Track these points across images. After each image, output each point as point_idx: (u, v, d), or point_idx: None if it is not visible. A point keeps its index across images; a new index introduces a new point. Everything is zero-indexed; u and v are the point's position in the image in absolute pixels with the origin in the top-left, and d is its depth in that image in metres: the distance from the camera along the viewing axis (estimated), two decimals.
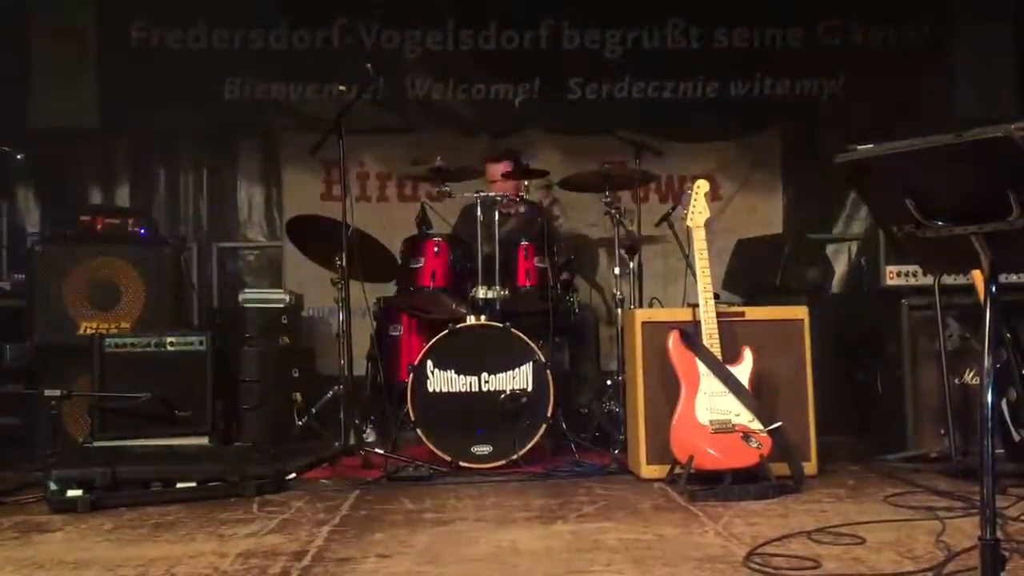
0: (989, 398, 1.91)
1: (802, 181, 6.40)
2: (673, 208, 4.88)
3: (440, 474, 3.85)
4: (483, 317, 4.19)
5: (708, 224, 3.77)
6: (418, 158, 5.70)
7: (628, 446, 4.01)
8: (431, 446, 3.99)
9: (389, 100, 6.09)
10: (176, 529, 3.00)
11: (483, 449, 3.98)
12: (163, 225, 5.90)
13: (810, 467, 3.68)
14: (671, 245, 5.00)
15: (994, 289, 1.92)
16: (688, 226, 3.78)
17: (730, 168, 6.39)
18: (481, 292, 4.31)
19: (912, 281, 4.09)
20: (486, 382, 4.05)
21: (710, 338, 3.59)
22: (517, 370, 4.06)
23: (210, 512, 3.24)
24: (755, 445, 3.46)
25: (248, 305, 5.09)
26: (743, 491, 3.32)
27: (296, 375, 5.07)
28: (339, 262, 4.19)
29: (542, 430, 4.03)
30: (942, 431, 3.86)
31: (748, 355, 3.62)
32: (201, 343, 4.32)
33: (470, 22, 6.22)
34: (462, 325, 4.14)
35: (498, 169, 5.09)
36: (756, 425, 3.50)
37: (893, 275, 4.13)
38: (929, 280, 3.94)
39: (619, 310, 4.58)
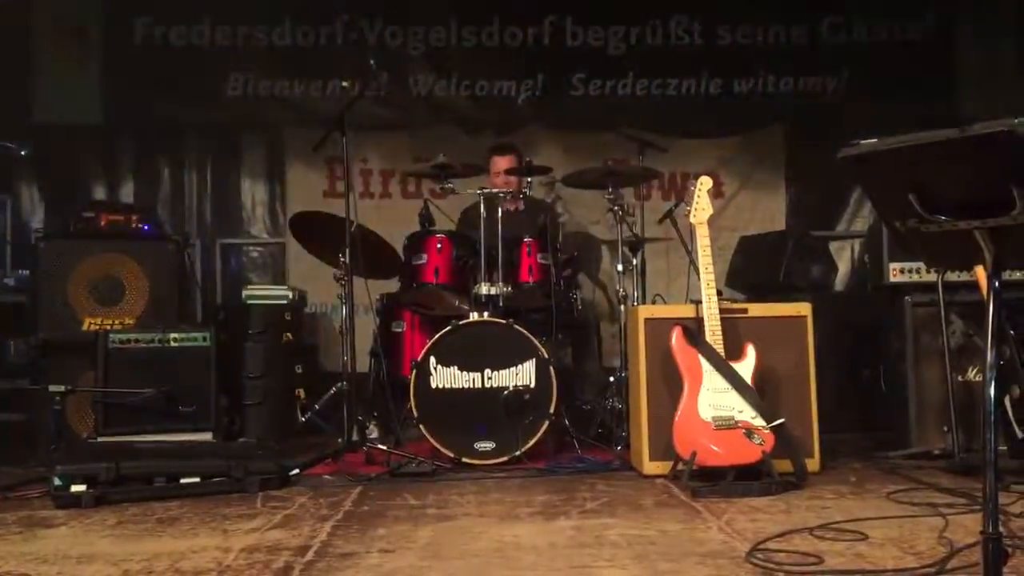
0: (992, 393, 1.90)
1: (805, 178, 6.41)
2: (676, 205, 4.89)
3: (443, 470, 3.85)
4: (486, 313, 4.19)
5: (711, 221, 3.77)
6: (421, 155, 5.72)
7: (631, 442, 4.01)
8: (434, 442, 3.99)
9: (392, 97, 6.09)
10: (180, 524, 3.00)
11: (486, 445, 3.98)
12: (167, 221, 5.93)
13: (813, 463, 3.69)
14: (674, 242, 5.00)
15: (997, 285, 1.92)
16: (691, 223, 3.78)
17: (733, 165, 6.40)
18: (484, 288, 4.30)
19: (915, 278, 4.09)
20: (489, 378, 4.05)
21: (713, 335, 3.59)
22: (520, 366, 4.06)
23: (214, 507, 3.25)
24: (758, 442, 3.46)
25: (251, 301, 5.10)
26: (746, 487, 3.32)
27: (299, 371, 5.09)
28: (342, 258, 4.20)
29: (545, 426, 4.02)
30: (945, 428, 3.86)
31: (751, 352, 3.62)
32: (205, 339, 4.34)
33: (473, 18, 6.22)
34: (465, 321, 4.13)
35: (503, 162, 5.08)
36: (759, 421, 3.50)
37: (896, 272, 4.12)
38: (932, 277, 3.94)
39: (622, 307, 4.57)
